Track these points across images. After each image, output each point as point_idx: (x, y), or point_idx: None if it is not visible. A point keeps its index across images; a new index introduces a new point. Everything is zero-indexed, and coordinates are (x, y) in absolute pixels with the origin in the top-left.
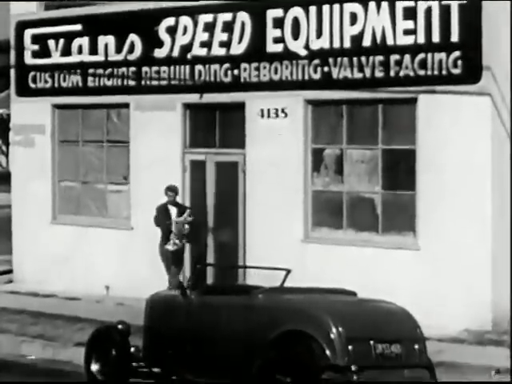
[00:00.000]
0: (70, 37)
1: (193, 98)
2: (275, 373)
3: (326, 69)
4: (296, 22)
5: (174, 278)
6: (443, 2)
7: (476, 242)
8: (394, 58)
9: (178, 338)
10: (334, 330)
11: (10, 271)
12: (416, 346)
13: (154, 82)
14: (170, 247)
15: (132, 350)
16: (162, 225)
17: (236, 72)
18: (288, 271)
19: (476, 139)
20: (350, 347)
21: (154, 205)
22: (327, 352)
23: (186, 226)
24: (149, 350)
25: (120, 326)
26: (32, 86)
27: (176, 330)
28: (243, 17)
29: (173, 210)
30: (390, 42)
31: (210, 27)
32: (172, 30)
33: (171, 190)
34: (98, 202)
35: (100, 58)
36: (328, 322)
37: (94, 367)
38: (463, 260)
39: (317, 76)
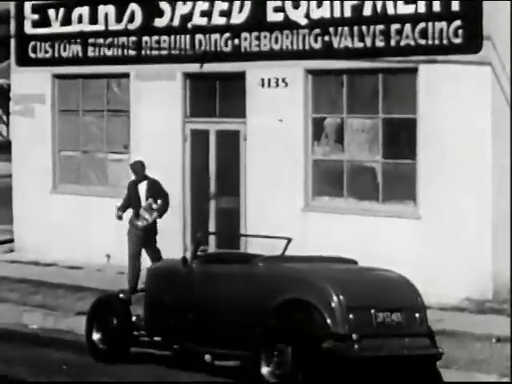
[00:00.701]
0: (69, 6)
1: (193, 67)
2: (276, 341)
3: (326, 38)
4: None
5: (153, 258)
6: None
7: (476, 211)
8: (394, 27)
9: (179, 307)
10: (334, 298)
11: (10, 240)
12: (417, 315)
13: (155, 52)
14: (139, 223)
15: (133, 318)
16: (132, 203)
17: (236, 41)
18: (289, 240)
19: (476, 108)
20: (350, 316)
21: (154, 174)
22: (328, 320)
23: (159, 201)
24: (150, 319)
25: (121, 295)
26: (32, 55)
27: (177, 298)
28: None
29: (142, 187)
30: (390, 11)
31: None
32: None
33: (133, 169)
34: (99, 171)
35: (100, 27)
36: (329, 290)
37: (96, 336)
38: (464, 229)
39: (317, 45)
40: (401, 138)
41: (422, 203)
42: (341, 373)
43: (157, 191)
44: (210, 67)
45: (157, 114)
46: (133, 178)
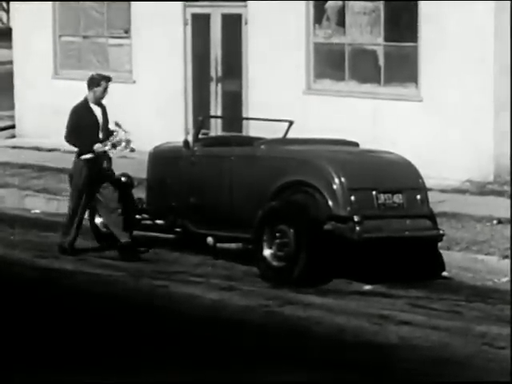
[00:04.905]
0: None
1: None
2: (278, 222)
3: None
4: None
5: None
6: None
7: (478, 93)
8: None
9: (181, 190)
10: (336, 180)
11: (12, 126)
12: (418, 196)
13: None
14: (100, 149)
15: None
16: (85, 133)
17: None
18: (290, 122)
19: None
20: (352, 197)
21: (155, 58)
22: (330, 202)
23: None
24: (152, 202)
25: (123, 179)
26: None
27: (179, 182)
28: None
29: (97, 111)
30: None
31: None
32: None
33: (106, 78)
34: (100, 56)
35: None
36: (330, 172)
37: (98, 220)
38: (466, 111)
39: None
40: (402, 21)
41: (424, 85)
42: (342, 254)
43: (108, 117)
44: None
45: None
46: (80, 99)
